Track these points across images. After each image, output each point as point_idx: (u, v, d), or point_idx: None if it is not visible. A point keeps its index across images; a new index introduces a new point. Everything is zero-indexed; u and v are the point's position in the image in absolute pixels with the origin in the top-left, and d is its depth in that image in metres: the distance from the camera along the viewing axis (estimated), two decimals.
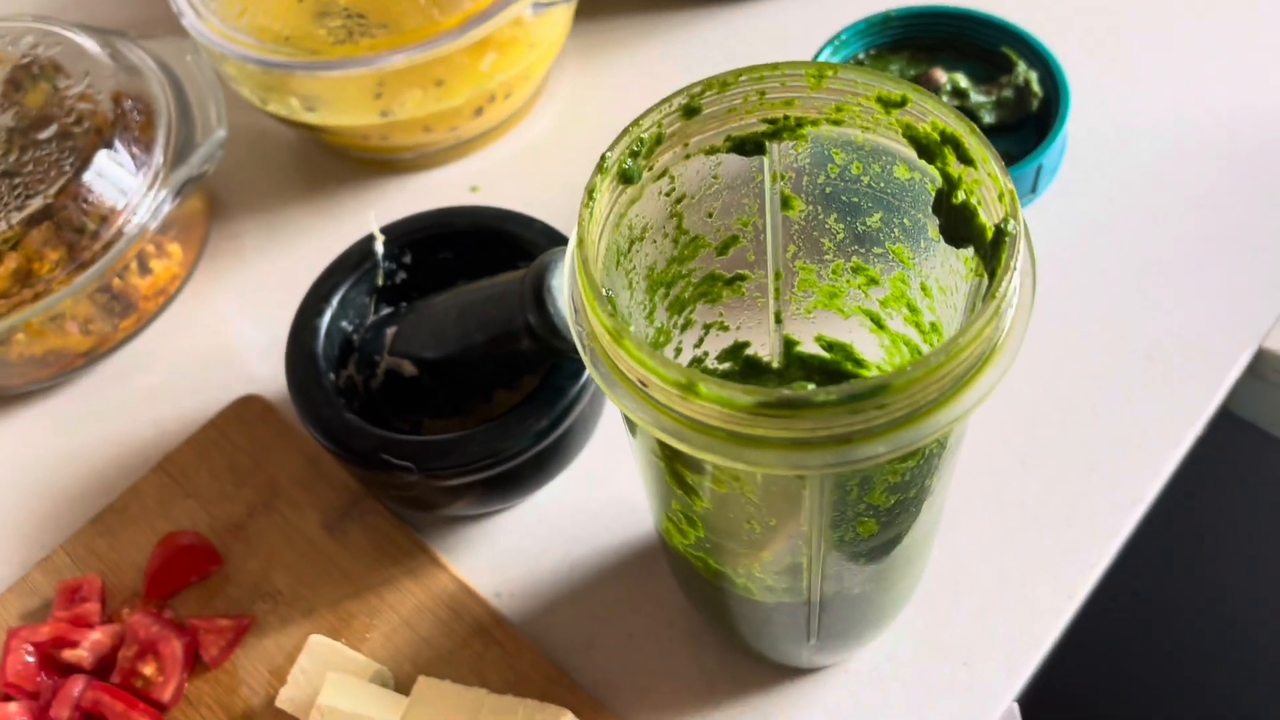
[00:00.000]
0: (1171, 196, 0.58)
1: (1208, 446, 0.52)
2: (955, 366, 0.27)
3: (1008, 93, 0.56)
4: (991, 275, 0.29)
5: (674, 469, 0.33)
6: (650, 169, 0.34)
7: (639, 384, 0.29)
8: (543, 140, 0.67)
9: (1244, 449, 0.58)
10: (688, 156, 0.34)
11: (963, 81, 0.56)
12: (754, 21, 0.70)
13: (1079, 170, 0.59)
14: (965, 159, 0.31)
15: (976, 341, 0.27)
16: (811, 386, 0.27)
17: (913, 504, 0.34)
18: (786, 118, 0.34)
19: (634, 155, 0.32)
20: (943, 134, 0.31)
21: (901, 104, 0.32)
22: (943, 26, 0.59)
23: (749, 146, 0.35)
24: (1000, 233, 0.29)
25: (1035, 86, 0.56)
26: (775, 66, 0.33)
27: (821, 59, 0.58)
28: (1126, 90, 0.62)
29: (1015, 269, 0.28)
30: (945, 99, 0.56)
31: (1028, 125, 0.56)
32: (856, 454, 0.27)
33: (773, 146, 0.35)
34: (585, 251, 0.30)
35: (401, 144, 0.62)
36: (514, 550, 0.51)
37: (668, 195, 0.35)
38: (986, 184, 0.30)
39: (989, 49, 0.58)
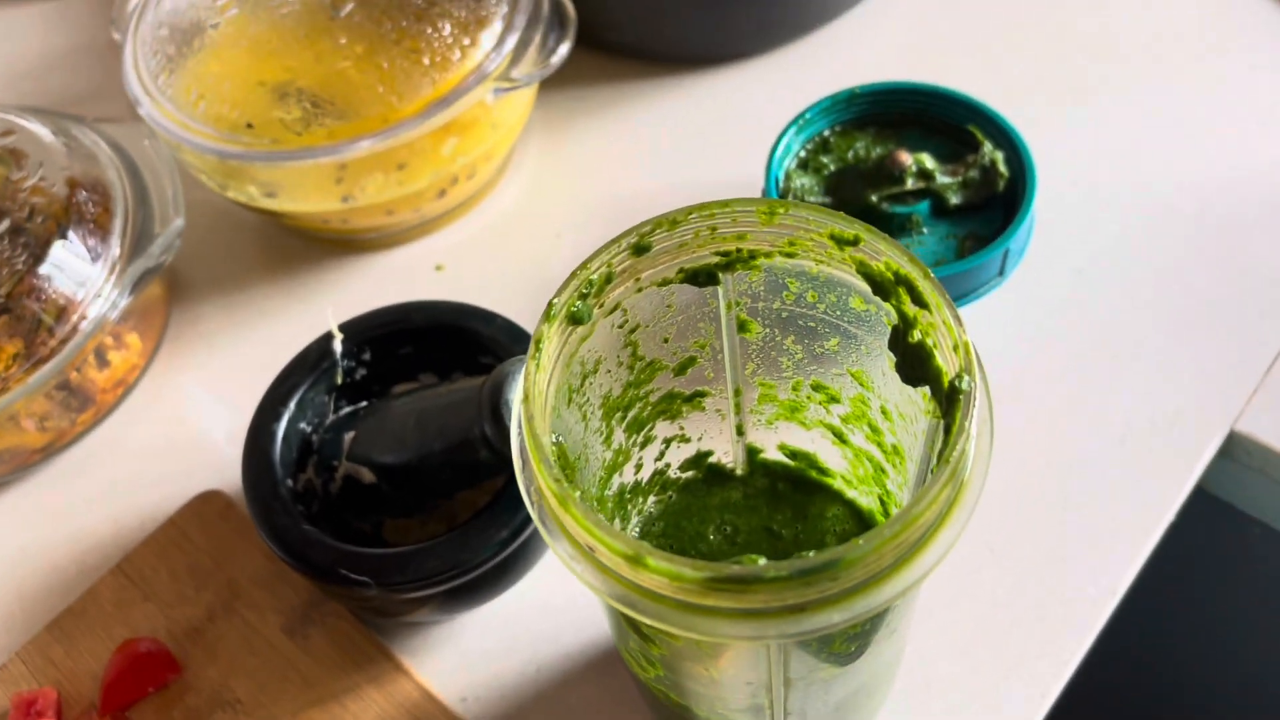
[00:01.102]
0: (1140, 275, 0.57)
1: (1183, 526, 0.51)
2: (911, 534, 0.26)
3: (974, 173, 0.56)
4: (947, 431, 0.28)
5: (629, 617, 0.32)
6: (601, 306, 0.33)
7: (587, 548, 0.28)
8: (508, 215, 0.66)
9: (1219, 527, 0.58)
10: (640, 290, 0.34)
11: (928, 162, 0.56)
12: (717, 92, 0.69)
13: (1047, 250, 0.58)
14: (919, 302, 0.30)
15: (932, 507, 0.27)
16: (762, 561, 0.26)
17: (875, 646, 0.33)
18: (739, 250, 0.33)
19: (583, 297, 0.32)
20: (896, 275, 0.31)
21: (854, 243, 0.31)
22: (908, 103, 0.59)
23: (702, 278, 0.34)
24: (955, 390, 0.28)
25: (1001, 167, 0.55)
26: (725, 204, 0.32)
27: (787, 137, 0.57)
28: (1093, 166, 0.62)
29: (970, 431, 0.27)
30: (911, 181, 0.56)
31: (994, 205, 0.56)
32: (812, 623, 0.27)
33: (726, 277, 0.34)
34: (531, 408, 0.29)
35: (363, 226, 0.62)
36: (479, 652, 0.50)
37: (621, 327, 0.34)
38: (941, 330, 0.30)
39: (955, 124, 0.58)
